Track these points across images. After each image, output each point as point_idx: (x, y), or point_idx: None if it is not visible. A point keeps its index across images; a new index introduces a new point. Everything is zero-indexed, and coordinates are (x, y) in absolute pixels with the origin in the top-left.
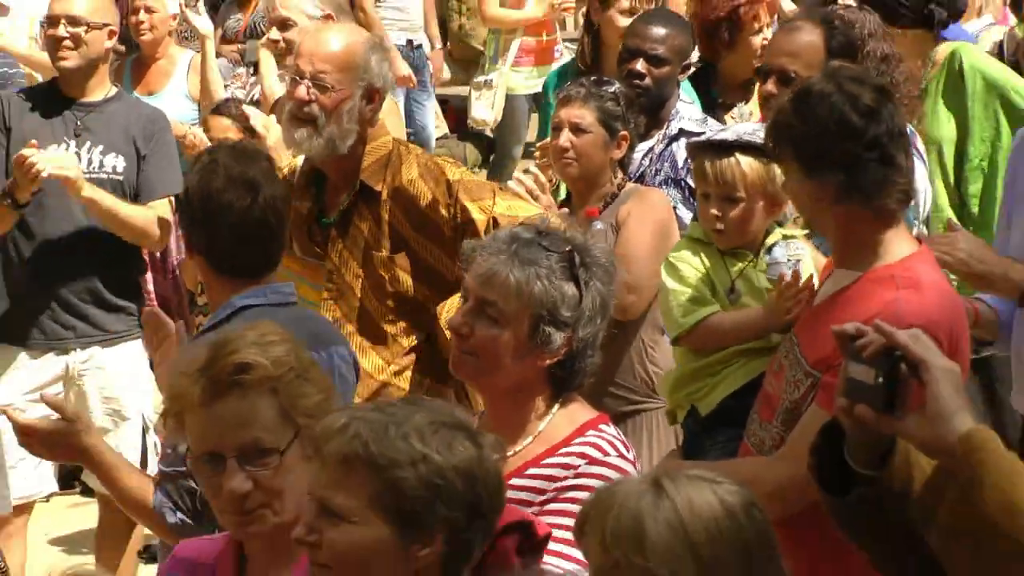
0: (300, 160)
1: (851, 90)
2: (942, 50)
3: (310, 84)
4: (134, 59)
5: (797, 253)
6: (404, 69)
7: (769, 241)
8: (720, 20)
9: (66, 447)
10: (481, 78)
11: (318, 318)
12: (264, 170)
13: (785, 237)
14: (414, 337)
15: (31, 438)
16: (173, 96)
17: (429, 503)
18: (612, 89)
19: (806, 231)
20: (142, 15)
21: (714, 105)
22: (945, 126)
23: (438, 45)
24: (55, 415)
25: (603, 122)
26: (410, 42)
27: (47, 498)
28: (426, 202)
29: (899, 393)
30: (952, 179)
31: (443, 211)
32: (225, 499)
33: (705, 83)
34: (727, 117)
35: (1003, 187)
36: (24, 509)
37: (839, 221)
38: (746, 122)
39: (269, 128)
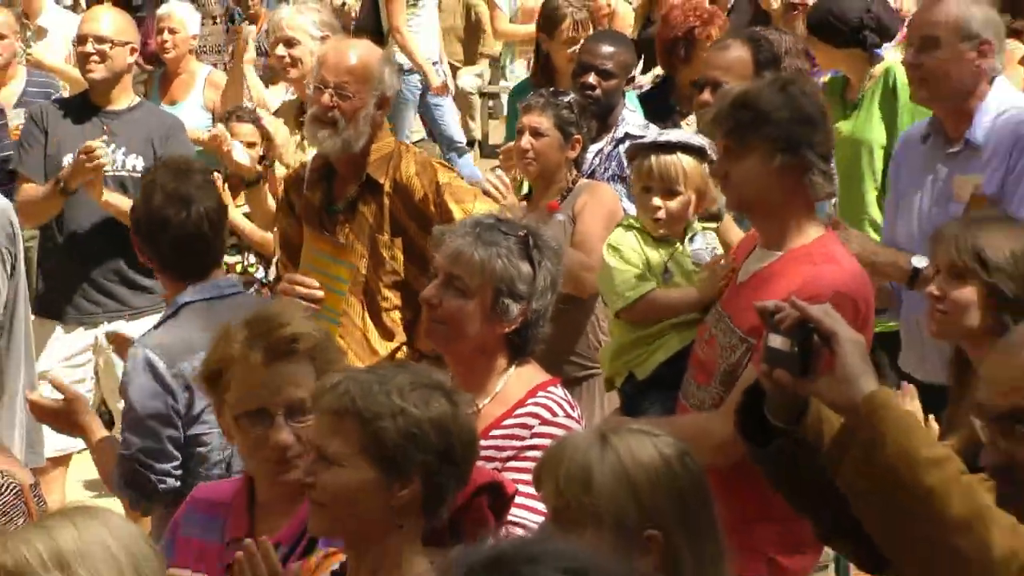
0: (309, 157)
1: (815, 100)
2: (879, 67)
3: (333, 92)
4: (161, 73)
5: (712, 242)
6: (437, 81)
7: (690, 232)
8: (678, 39)
9: (67, 422)
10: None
11: (264, 302)
12: (198, 184)
13: (703, 229)
14: (408, 312)
15: (39, 413)
16: (191, 107)
17: (407, 450)
18: (567, 99)
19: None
20: (166, 35)
21: (672, 113)
22: (876, 130)
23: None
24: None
25: (559, 127)
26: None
27: (81, 451)
28: (419, 197)
29: (812, 360)
30: (879, 178)
31: (432, 207)
32: (271, 449)
33: (664, 94)
34: (683, 124)
35: (889, 184)
36: (62, 461)
37: (780, 204)
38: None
39: (277, 129)
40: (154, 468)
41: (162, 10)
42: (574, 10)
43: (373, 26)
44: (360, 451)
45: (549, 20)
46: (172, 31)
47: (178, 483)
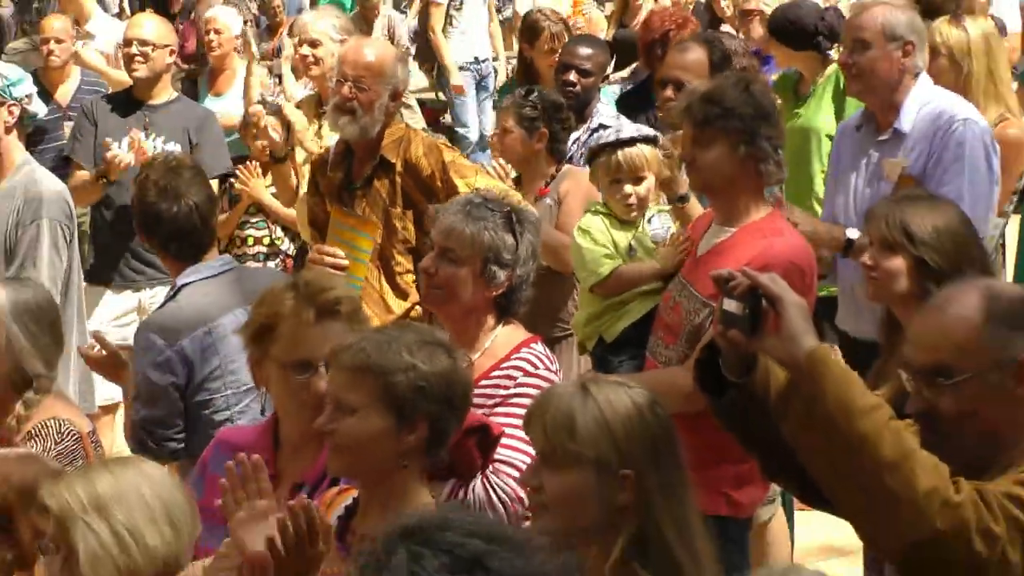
0: (328, 143)
1: (767, 95)
2: (831, 67)
3: (352, 85)
4: (209, 69)
5: (667, 222)
6: (457, 80)
7: (648, 214)
8: (655, 40)
9: (111, 372)
10: None
11: (255, 274)
12: (187, 180)
13: (659, 211)
14: (415, 276)
15: (91, 363)
16: (233, 98)
17: (416, 401)
18: (531, 98)
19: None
20: (212, 36)
21: (651, 106)
22: (825, 121)
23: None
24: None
25: (520, 124)
26: (476, 58)
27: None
28: (427, 174)
29: (760, 321)
30: (824, 162)
31: (439, 183)
32: (311, 395)
33: (647, 89)
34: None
35: (829, 164)
36: (111, 408)
37: (737, 188)
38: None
39: (297, 120)
40: (155, 434)
41: (209, 13)
42: (551, 23)
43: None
44: (375, 402)
45: (530, 31)
46: (218, 32)
47: (180, 446)
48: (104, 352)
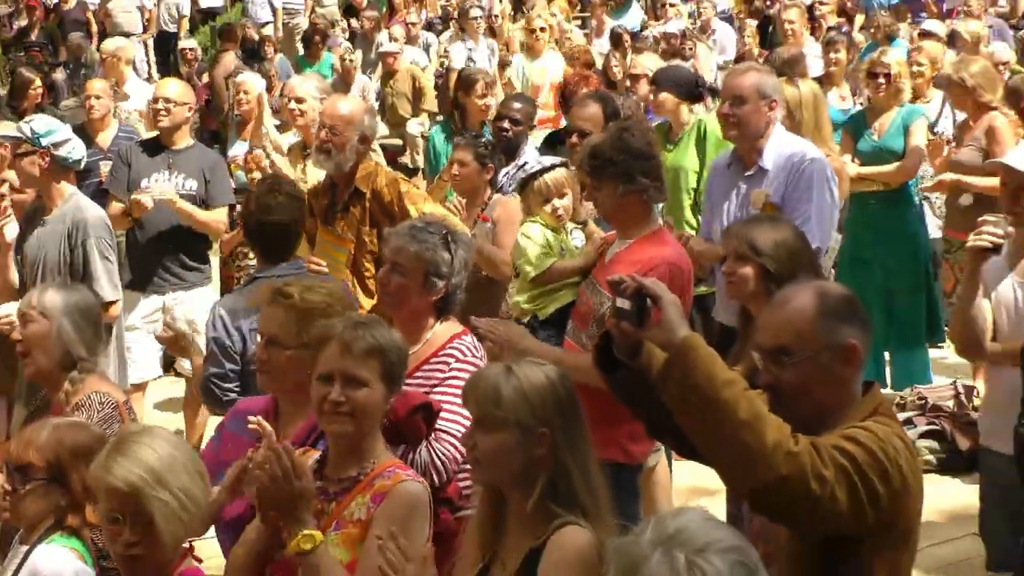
0: (322, 176)
1: (641, 138)
2: (693, 119)
3: (328, 130)
4: (238, 120)
5: (580, 236)
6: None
7: (569, 228)
8: (564, 95)
9: (178, 349)
10: None
11: (307, 278)
12: (280, 201)
13: (574, 228)
14: None
15: (162, 341)
16: None
17: (398, 372)
18: (483, 140)
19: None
20: (241, 95)
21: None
22: (690, 160)
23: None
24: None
25: (477, 159)
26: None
27: (155, 379)
28: (388, 200)
29: (645, 315)
30: (691, 193)
31: (396, 208)
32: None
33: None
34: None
35: (705, 195)
36: (140, 387)
37: (627, 214)
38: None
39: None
40: (219, 387)
41: (240, 78)
42: (483, 75)
43: None
44: (380, 376)
45: (465, 82)
46: (246, 92)
47: (238, 396)
48: (172, 334)
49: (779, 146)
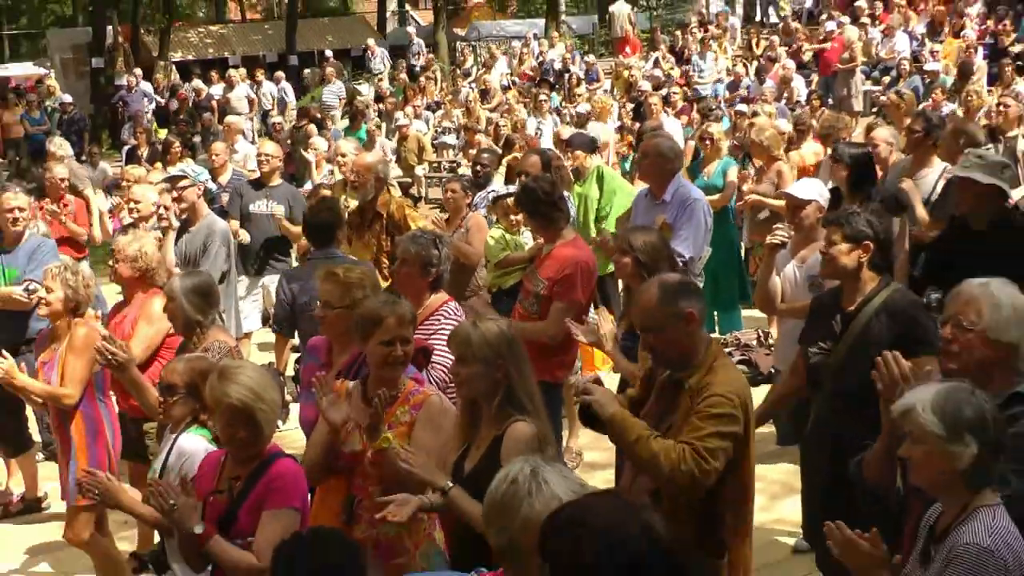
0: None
1: (546, 185)
2: (592, 163)
3: (356, 175)
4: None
5: (529, 236)
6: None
7: (522, 231)
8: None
9: None
10: None
11: (344, 260)
12: (327, 207)
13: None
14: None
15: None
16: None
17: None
18: (465, 177)
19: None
20: (310, 152)
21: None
22: (594, 191)
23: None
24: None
25: (462, 189)
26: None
27: (257, 330)
28: (398, 219)
29: (589, 413)
30: (593, 215)
31: (403, 224)
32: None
33: None
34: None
35: (632, 216)
36: (247, 335)
37: (548, 231)
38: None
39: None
40: (281, 325)
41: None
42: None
43: None
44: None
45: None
46: (315, 148)
47: (292, 329)
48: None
49: (676, 187)
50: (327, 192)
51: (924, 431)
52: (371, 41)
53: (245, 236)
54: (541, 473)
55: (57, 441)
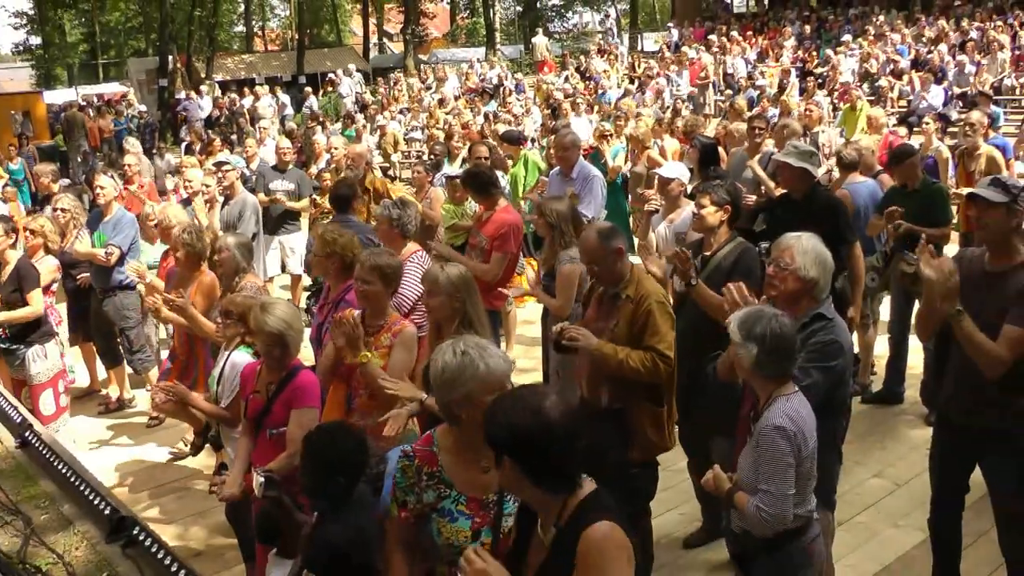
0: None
1: (486, 172)
2: (522, 152)
3: (348, 160)
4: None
5: (475, 206)
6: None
7: (468, 203)
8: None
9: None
10: None
11: (356, 225)
12: (347, 184)
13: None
14: None
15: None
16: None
17: (393, 276)
18: (427, 162)
19: None
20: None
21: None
22: (521, 171)
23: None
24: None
25: (426, 171)
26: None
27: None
28: (380, 190)
29: (567, 347)
30: (522, 189)
31: (384, 194)
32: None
33: None
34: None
35: (546, 191)
36: (270, 279)
37: (488, 201)
38: None
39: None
40: (309, 270)
41: (333, 140)
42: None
43: None
44: (379, 279)
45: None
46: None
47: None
48: None
49: (581, 166)
50: (327, 175)
51: (732, 338)
52: (351, 66)
53: (273, 208)
54: (482, 343)
55: (182, 357)
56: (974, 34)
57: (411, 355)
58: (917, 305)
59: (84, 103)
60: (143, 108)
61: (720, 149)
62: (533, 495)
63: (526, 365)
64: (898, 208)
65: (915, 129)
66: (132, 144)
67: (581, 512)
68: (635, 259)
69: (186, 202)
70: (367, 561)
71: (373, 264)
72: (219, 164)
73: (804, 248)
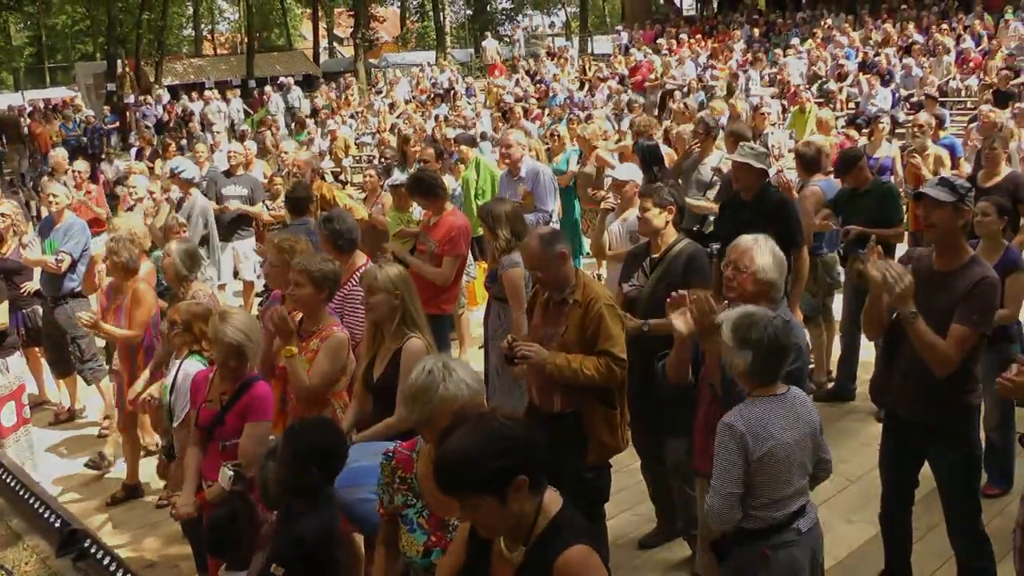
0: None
1: (430, 176)
2: (474, 155)
3: (296, 167)
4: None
5: (420, 211)
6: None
7: (413, 208)
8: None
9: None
10: None
11: (298, 230)
12: (302, 187)
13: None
14: None
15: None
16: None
17: (324, 280)
18: (378, 166)
19: None
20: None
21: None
22: (473, 175)
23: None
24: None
25: (377, 175)
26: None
27: (231, 281)
28: (328, 198)
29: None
30: (474, 192)
31: (331, 202)
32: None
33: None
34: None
35: (497, 191)
36: (222, 286)
37: (434, 205)
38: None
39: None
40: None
41: (283, 144)
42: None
43: None
44: (309, 281)
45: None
46: (286, 152)
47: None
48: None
49: (528, 165)
50: (279, 181)
51: (724, 343)
52: (287, 79)
53: (228, 211)
54: (449, 365)
55: (122, 367)
56: (920, 38)
57: (336, 361)
58: None
59: (31, 107)
60: (91, 113)
61: (668, 148)
62: (504, 518)
63: (482, 368)
64: (830, 212)
65: (863, 131)
66: (63, 155)
67: (552, 532)
68: (588, 261)
69: (130, 209)
70: (333, 556)
71: (301, 267)
72: (173, 171)
73: (762, 250)
